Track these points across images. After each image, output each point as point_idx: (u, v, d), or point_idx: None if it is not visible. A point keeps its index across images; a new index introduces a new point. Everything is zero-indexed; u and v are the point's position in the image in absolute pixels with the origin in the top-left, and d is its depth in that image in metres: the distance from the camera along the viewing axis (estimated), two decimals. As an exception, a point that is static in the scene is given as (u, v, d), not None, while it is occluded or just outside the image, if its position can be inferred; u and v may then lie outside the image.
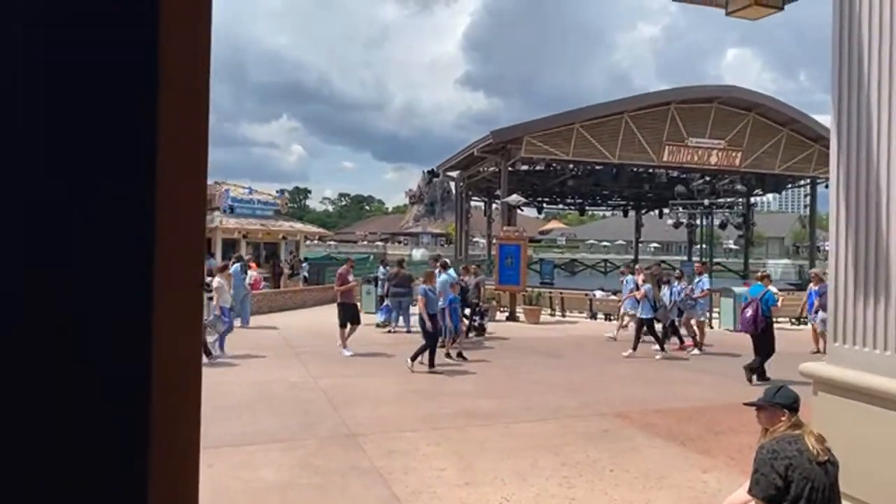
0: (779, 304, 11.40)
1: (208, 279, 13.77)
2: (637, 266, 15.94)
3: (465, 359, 11.52)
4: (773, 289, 11.38)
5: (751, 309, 10.47)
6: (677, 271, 17.34)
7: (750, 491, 3.40)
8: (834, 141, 4.81)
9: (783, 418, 3.27)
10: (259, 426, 7.23)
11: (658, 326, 13.36)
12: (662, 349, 12.53)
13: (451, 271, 13.35)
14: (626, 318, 14.45)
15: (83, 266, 0.62)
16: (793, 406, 3.30)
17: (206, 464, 5.92)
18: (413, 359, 10.54)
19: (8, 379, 0.59)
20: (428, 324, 10.70)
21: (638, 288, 13.31)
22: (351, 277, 13.02)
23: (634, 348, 12.39)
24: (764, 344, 10.32)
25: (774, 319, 16.13)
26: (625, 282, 14.74)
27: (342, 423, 7.43)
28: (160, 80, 0.66)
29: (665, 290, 13.54)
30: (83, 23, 0.63)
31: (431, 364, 10.54)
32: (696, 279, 13.87)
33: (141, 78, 0.65)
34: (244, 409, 7.93)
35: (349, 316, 12.33)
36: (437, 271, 13.54)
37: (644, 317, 12.58)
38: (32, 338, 0.60)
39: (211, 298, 11.64)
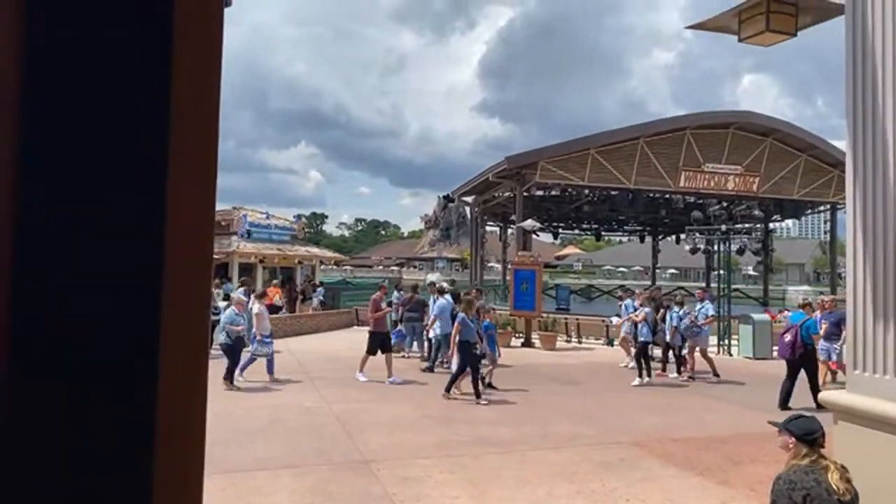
0: (821, 331, 11.28)
1: (222, 303, 13.85)
2: (637, 291, 15.83)
3: (494, 388, 11.17)
4: (817, 315, 11.38)
5: (790, 334, 10.49)
6: (678, 296, 17.16)
7: (768, 522, 3.32)
8: (850, 166, 4.78)
9: (791, 446, 3.21)
10: (272, 451, 7.21)
11: (657, 351, 13.22)
12: (648, 376, 12.27)
13: (449, 296, 13.37)
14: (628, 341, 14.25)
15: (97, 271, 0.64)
16: (804, 437, 3.23)
17: (219, 489, 5.92)
18: (448, 389, 10.38)
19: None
20: (453, 353, 10.58)
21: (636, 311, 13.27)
22: (384, 304, 12.75)
23: (649, 374, 12.24)
24: (798, 369, 10.33)
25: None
26: (623, 306, 14.62)
27: (355, 448, 7.39)
28: (172, 84, 0.68)
29: (667, 315, 13.46)
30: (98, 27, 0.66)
31: (477, 395, 10.22)
32: (699, 305, 13.69)
33: (154, 82, 0.67)
34: (257, 434, 7.92)
35: (379, 343, 12.10)
36: (434, 297, 13.58)
37: (643, 340, 12.46)
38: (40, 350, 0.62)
39: (218, 321, 11.68)
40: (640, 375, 12.16)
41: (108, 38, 0.66)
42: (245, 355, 11.70)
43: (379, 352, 11.99)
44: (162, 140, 0.66)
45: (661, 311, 13.79)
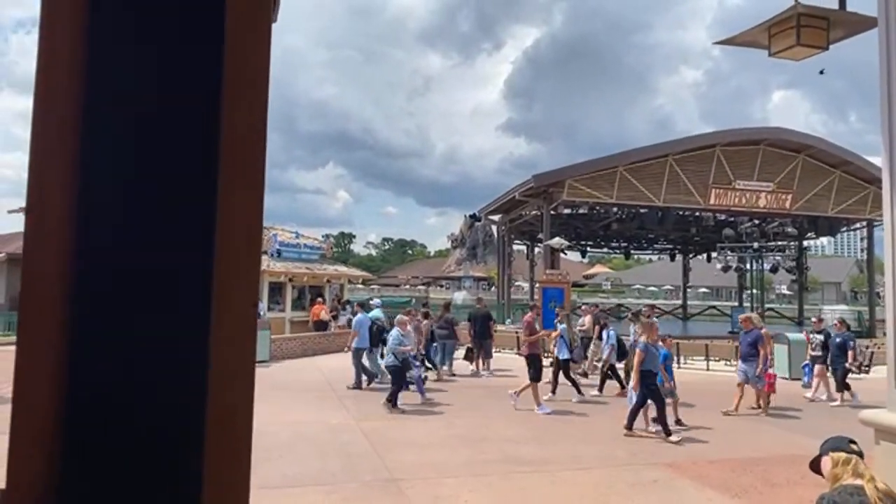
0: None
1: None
2: (584, 307, 15.75)
3: (682, 424, 9.98)
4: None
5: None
6: (629, 314, 17.04)
7: (810, 545, 3.22)
8: (886, 181, 4.68)
9: (828, 467, 3.13)
10: (300, 468, 7.23)
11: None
12: (579, 392, 12.16)
13: (375, 312, 14.24)
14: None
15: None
16: (839, 447, 3.14)
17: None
18: (629, 426, 9.39)
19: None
20: (635, 385, 9.38)
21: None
22: (538, 326, 12.24)
23: (553, 391, 12.12)
24: None
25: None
26: (608, 334, 14.42)
27: (384, 466, 7.37)
28: (224, 86, 0.71)
29: (603, 333, 13.55)
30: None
31: (667, 432, 9.16)
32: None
33: (207, 85, 0.70)
34: (285, 451, 7.95)
35: (539, 368, 11.34)
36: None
37: (561, 357, 12.35)
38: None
39: None
40: (578, 391, 12.16)
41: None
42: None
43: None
44: (214, 136, 0.70)
45: (598, 328, 14.04)
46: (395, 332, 11.37)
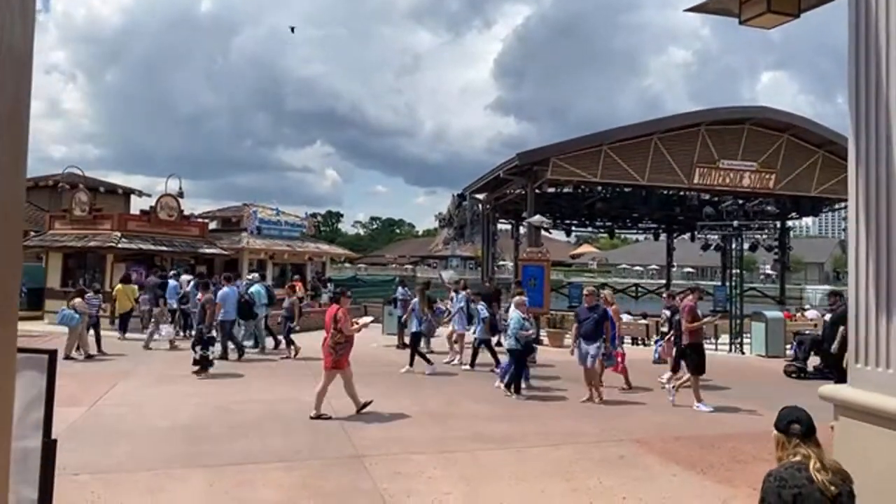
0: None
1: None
2: (459, 282, 15.85)
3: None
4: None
5: None
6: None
7: (756, 522, 3.16)
8: (852, 154, 4.57)
9: (776, 441, 3.06)
10: (265, 445, 7.13)
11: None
12: (429, 363, 12.31)
13: (256, 287, 14.89)
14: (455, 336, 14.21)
15: None
16: (779, 427, 3.07)
17: (207, 483, 5.86)
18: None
19: None
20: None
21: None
22: (700, 311, 10.70)
23: (428, 362, 12.34)
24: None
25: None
26: (454, 299, 14.47)
27: (350, 443, 7.29)
28: None
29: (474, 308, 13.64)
30: None
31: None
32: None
33: None
34: (252, 429, 7.85)
35: (701, 358, 10.01)
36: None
37: (412, 331, 12.69)
38: None
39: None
40: (410, 364, 12.35)
41: None
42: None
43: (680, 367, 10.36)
44: None
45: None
46: (516, 314, 10.66)
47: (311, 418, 8.33)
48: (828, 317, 13.21)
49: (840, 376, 11.47)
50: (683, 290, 12.34)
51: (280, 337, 14.75)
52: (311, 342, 16.49)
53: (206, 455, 6.74)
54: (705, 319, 11.59)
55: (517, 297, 11.40)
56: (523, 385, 10.63)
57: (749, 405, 9.95)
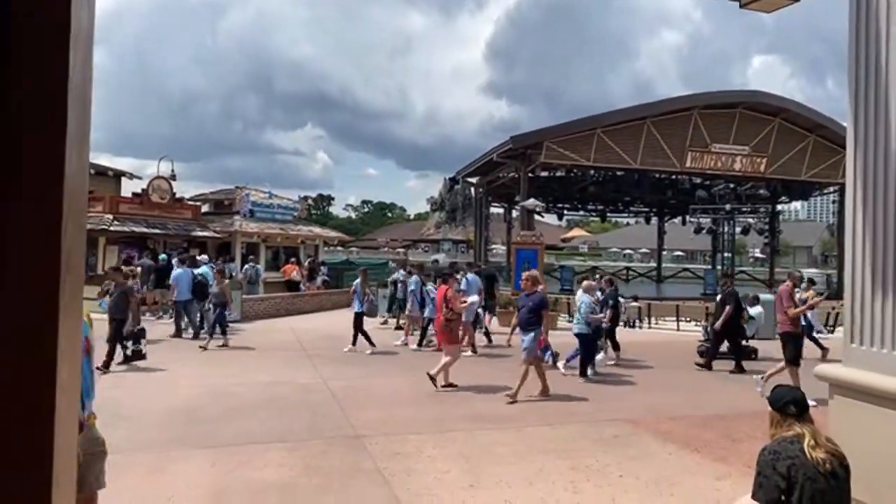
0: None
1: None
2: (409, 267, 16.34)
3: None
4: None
5: None
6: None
7: (753, 496, 3.24)
8: (851, 138, 4.63)
9: (768, 422, 3.16)
10: (266, 426, 7.18)
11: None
12: (371, 344, 12.64)
13: (203, 268, 14.79)
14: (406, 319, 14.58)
15: None
16: (775, 406, 3.16)
17: (209, 463, 5.90)
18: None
19: None
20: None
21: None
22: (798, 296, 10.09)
23: (371, 343, 12.65)
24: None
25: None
26: (408, 283, 14.71)
27: (349, 424, 7.35)
28: None
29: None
30: None
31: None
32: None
33: None
34: (252, 410, 7.90)
35: (799, 347, 9.59)
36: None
37: (356, 311, 12.90)
38: None
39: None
40: (353, 344, 12.62)
41: None
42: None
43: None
44: None
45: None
46: (587, 298, 10.66)
47: (442, 387, 9.21)
48: (719, 297, 13.13)
49: (714, 350, 11.55)
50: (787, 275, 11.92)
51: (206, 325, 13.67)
52: (301, 323, 16.55)
53: (205, 436, 6.78)
54: (811, 301, 11.68)
55: (586, 282, 11.40)
56: (589, 371, 10.71)
57: (743, 387, 10.10)
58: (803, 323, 12.60)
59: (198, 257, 16.84)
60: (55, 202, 0.82)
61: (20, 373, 0.80)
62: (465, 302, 10.70)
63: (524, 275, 10.11)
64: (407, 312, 14.33)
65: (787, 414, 3.19)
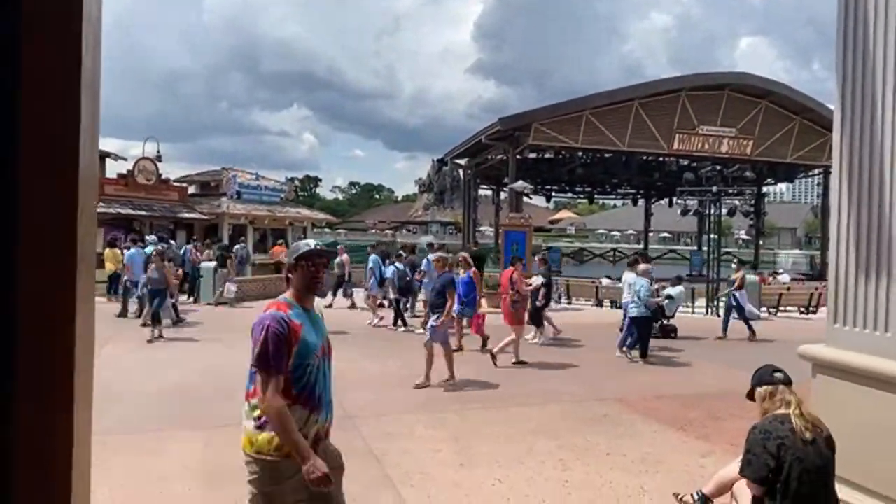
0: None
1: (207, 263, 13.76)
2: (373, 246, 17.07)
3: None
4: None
5: None
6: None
7: (742, 472, 3.33)
8: (837, 121, 4.69)
9: (758, 401, 3.25)
10: (257, 407, 7.22)
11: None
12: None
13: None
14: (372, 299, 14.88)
15: None
16: (764, 380, 3.25)
17: (203, 443, 5.95)
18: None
19: None
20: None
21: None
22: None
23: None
24: None
25: (782, 309, 15.92)
26: (369, 261, 15.10)
27: (339, 405, 7.35)
28: None
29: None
30: None
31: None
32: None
33: None
34: (242, 391, 7.91)
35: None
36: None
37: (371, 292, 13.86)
38: None
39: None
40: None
41: None
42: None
43: None
44: None
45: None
46: (644, 282, 10.75)
47: (513, 364, 9.82)
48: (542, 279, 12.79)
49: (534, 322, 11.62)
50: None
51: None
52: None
53: (198, 417, 6.82)
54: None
55: (642, 266, 11.32)
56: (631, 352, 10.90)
57: (727, 367, 10.28)
58: (733, 303, 13.15)
59: (147, 238, 16.35)
60: (71, 192, 0.83)
61: (40, 361, 0.82)
62: (530, 285, 11.29)
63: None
64: (367, 290, 14.69)
65: (778, 381, 3.26)
